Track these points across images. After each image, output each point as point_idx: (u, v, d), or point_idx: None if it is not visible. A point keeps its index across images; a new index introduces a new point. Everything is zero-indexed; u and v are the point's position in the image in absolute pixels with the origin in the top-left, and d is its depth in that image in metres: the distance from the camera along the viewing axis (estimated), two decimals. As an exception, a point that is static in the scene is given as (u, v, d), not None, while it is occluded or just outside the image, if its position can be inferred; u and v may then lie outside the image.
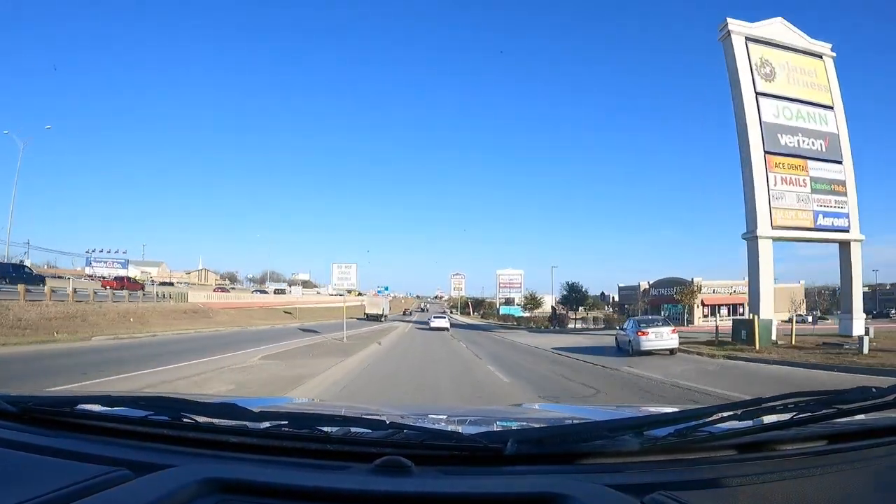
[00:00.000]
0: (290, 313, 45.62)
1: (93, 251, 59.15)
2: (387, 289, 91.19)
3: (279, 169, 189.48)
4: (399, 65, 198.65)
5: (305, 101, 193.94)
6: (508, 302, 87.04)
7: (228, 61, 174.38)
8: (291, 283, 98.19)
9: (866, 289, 51.80)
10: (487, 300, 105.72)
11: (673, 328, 17.39)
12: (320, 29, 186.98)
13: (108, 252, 59.68)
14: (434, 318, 44.68)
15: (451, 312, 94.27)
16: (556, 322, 49.61)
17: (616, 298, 67.44)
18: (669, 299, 51.81)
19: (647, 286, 59.71)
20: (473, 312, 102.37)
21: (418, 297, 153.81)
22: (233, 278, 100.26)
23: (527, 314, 65.44)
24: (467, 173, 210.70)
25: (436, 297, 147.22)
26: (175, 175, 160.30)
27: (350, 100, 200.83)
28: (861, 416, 1.16)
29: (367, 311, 53.66)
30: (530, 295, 68.63)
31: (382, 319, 50.83)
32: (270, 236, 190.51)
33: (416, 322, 53.83)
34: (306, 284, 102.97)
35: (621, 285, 67.76)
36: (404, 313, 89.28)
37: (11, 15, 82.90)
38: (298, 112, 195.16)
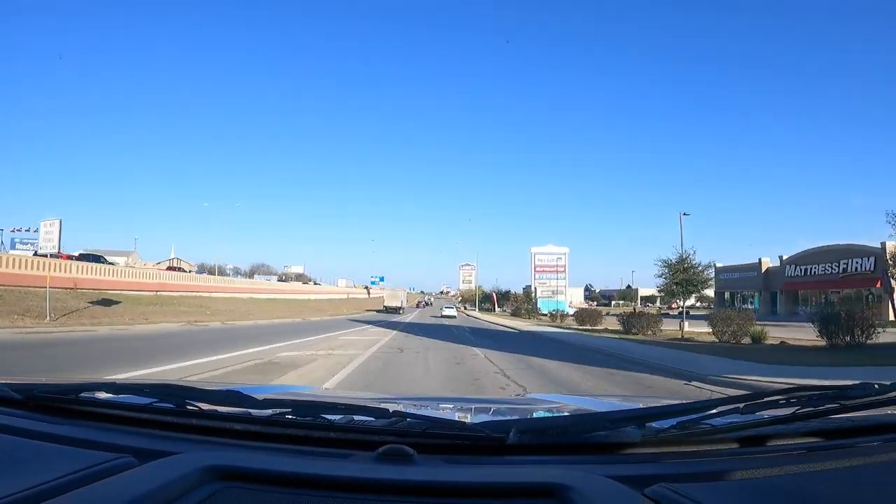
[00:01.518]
0: (117, 302, 26.35)
1: (18, 230, 42.07)
2: (382, 279, 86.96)
3: (275, 164, 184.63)
4: (400, 47, 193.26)
5: (300, 89, 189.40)
6: (531, 291, 63.60)
7: (220, 47, 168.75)
8: (283, 277, 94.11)
9: None
10: (515, 292, 76.94)
11: None
12: (321, 17, 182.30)
13: (36, 232, 43.95)
14: (445, 307, 51.59)
15: (466, 308, 78.03)
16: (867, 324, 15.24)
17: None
18: (836, 281, 29.69)
19: (779, 263, 38.08)
20: (498, 308, 74.59)
21: (422, 292, 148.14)
22: (214, 271, 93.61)
23: (666, 307, 34.16)
24: (469, 164, 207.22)
25: (441, 293, 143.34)
26: (169, 171, 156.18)
27: (346, 87, 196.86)
28: (863, 413, 1.15)
29: (385, 304, 56.04)
30: (682, 263, 25.70)
31: (400, 312, 53.04)
32: (264, 228, 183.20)
33: (403, 331, 24.51)
34: (300, 278, 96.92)
35: (721, 265, 41.38)
36: (418, 305, 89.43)
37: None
38: (292, 101, 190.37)
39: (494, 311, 71.80)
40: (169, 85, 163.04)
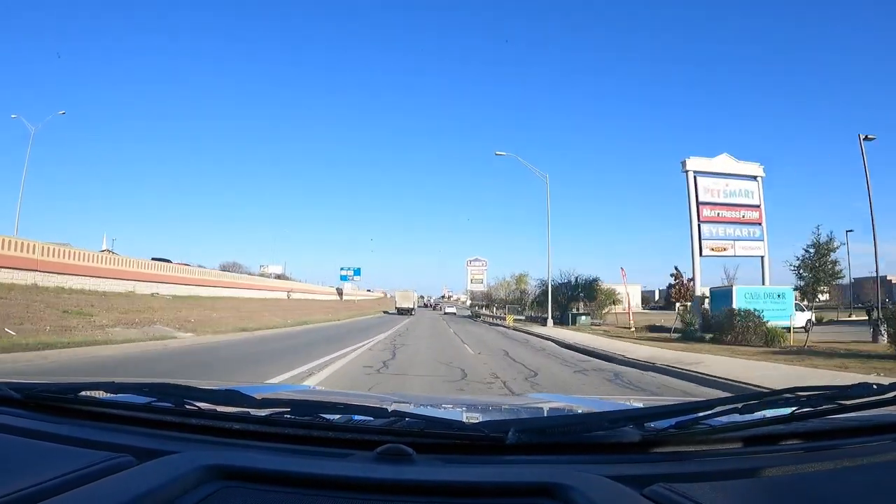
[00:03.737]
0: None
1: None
2: (358, 272, 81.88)
3: (266, 162, 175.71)
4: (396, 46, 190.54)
5: (293, 81, 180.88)
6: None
7: (212, 38, 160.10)
8: (263, 277, 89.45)
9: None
10: (602, 283, 39.25)
11: None
12: (320, 12, 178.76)
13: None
14: (447, 307, 54.93)
15: (506, 317, 39.38)
16: None
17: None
18: None
19: None
20: (581, 319, 32.29)
21: (422, 297, 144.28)
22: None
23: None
24: (465, 162, 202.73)
25: (443, 297, 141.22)
26: (158, 168, 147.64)
27: (338, 82, 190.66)
28: (862, 413, 1.14)
29: (398, 305, 59.35)
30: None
31: (412, 313, 55.73)
32: (236, 226, 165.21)
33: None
34: (279, 278, 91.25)
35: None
36: (435, 308, 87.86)
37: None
38: (285, 94, 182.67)
39: (605, 322, 34.10)
40: (135, 76, 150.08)
